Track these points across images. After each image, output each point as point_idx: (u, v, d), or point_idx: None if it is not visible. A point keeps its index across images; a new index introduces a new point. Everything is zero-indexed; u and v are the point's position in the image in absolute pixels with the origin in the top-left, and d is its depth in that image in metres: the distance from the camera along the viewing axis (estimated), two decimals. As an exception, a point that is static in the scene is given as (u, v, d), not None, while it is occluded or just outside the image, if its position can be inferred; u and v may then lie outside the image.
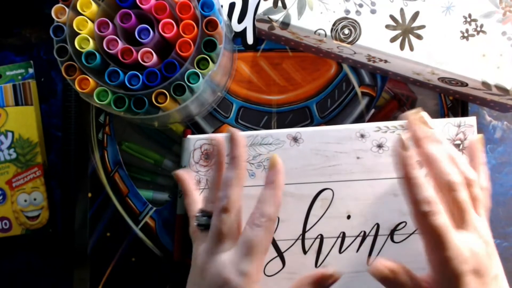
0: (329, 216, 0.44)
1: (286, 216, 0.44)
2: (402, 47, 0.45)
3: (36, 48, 0.54)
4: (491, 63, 0.45)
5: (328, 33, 0.45)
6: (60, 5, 0.43)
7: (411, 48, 0.45)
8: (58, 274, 0.53)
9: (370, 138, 0.44)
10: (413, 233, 0.44)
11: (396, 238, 0.44)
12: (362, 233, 0.44)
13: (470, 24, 0.45)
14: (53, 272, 0.53)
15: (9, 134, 0.52)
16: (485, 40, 0.45)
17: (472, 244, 0.35)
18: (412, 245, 0.44)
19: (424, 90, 0.52)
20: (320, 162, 0.44)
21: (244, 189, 0.40)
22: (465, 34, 0.45)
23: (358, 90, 0.52)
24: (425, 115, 0.40)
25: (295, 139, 0.44)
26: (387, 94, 0.52)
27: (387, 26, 0.45)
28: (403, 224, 0.44)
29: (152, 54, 0.42)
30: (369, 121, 0.52)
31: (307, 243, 0.44)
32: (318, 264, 0.44)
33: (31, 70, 0.54)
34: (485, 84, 0.45)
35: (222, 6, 0.49)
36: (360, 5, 0.46)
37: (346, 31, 0.45)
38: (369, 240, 0.44)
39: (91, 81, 0.42)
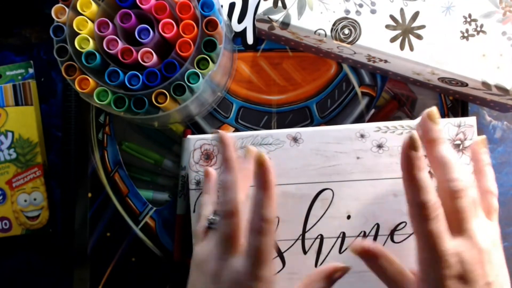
0: (329, 216, 0.44)
1: (286, 216, 0.44)
2: (402, 47, 0.45)
3: (36, 48, 0.54)
4: (491, 63, 0.45)
5: (328, 33, 0.45)
6: (60, 5, 0.43)
7: (411, 48, 0.45)
8: (58, 274, 0.53)
9: (370, 138, 0.44)
10: (413, 233, 0.44)
11: (396, 238, 0.44)
12: (362, 233, 0.44)
13: (470, 24, 0.45)
14: (53, 272, 0.53)
15: (9, 134, 0.52)
16: (485, 40, 0.45)
17: (462, 251, 0.36)
18: (412, 245, 0.43)
19: (424, 90, 0.52)
20: (320, 162, 0.44)
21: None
22: (465, 34, 0.45)
23: (358, 90, 0.52)
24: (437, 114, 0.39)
25: (295, 139, 0.44)
26: (387, 94, 0.52)
27: (387, 26, 0.45)
28: (403, 224, 0.44)
29: (152, 54, 0.42)
30: (369, 121, 0.52)
31: (307, 243, 0.44)
32: (318, 264, 0.44)
33: (31, 70, 0.54)
34: (485, 84, 0.45)
35: (222, 6, 0.49)
36: (360, 5, 0.46)
37: (346, 31, 0.45)
38: (369, 240, 0.44)
39: (91, 81, 0.42)
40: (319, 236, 0.44)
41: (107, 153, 0.52)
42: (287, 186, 0.44)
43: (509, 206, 0.52)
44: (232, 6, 0.52)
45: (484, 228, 0.38)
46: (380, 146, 0.44)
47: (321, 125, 0.52)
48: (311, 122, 0.52)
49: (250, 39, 0.53)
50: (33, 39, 0.55)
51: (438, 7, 0.46)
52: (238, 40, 0.52)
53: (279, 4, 0.46)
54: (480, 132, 0.52)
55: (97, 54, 0.42)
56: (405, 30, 0.45)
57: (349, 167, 0.44)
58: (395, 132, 0.44)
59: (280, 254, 0.44)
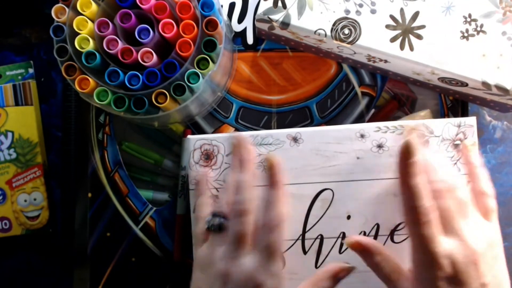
0: (329, 216, 0.44)
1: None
2: (402, 47, 0.45)
3: (36, 48, 0.54)
4: (491, 63, 0.45)
5: (328, 33, 0.45)
6: (60, 5, 0.43)
7: (411, 48, 0.45)
8: (58, 274, 0.53)
9: (370, 138, 0.44)
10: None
11: (396, 238, 0.44)
12: (362, 233, 0.44)
13: (470, 24, 0.45)
14: (53, 272, 0.53)
15: (9, 134, 0.52)
16: (485, 40, 0.45)
17: (454, 252, 0.36)
18: (412, 245, 0.44)
19: (424, 90, 0.52)
20: (320, 162, 0.44)
21: None
22: (465, 34, 0.45)
23: (358, 90, 0.52)
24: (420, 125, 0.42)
25: (295, 139, 0.44)
26: (387, 94, 0.52)
27: (387, 26, 0.45)
28: (403, 224, 0.44)
29: (152, 54, 0.42)
30: (369, 121, 0.52)
31: (307, 244, 0.44)
32: (318, 265, 0.44)
33: (31, 70, 0.54)
34: (485, 84, 0.45)
35: (222, 6, 0.49)
36: (360, 5, 0.46)
37: (346, 31, 0.45)
38: (369, 240, 0.44)
39: (91, 81, 0.42)
40: (319, 236, 0.44)
41: (107, 153, 0.52)
42: (287, 186, 0.44)
43: (509, 206, 0.52)
44: (232, 6, 0.52)
45: (478, 229, 0.38)
46: (380, 146, 0.44)
47: (321, 125, 0.52)
48: (311, 122, 0.52)
49: (250, 39, 0.53)
50: (33, 39, 0.55)
51: (438, 7, 0.46)
52: (238, 40, 0.52)
53: (279, 4, 0.46)
54: (480, 132, 0.52)
55: (97, 54, 0.42)
56: (405, 30, 0.45)
57: (349, 167, 0.44)
58: (395, 132, 0.44)
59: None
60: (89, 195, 0.52)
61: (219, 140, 0.44)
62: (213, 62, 0.43)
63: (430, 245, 0.36)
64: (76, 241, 0.51)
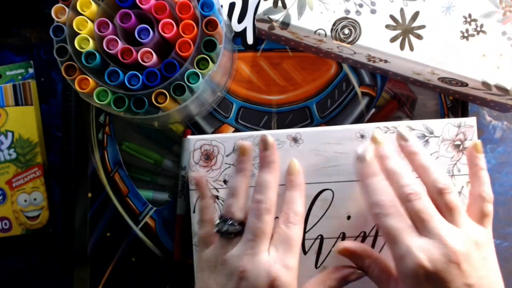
0: (329, 217, 0.44)
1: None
2: (402, 47, 0.45)
3: (36, 48, 0.54)
4: (491, 63, 0.45)
5: (328, 33, 0.45)
6: (60, 5, 0.43)
7: (411, 48, 0.45)
8: (58, 274, 0.53)
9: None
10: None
11: (396, 238, 0.44)
12: (362, 234, 0.44)
13: (470, 24, 0.45)
14: (53, 272, 0.53)
15: (9, 134, 0.52)
16: (485, 40, 0.45)
17: (430, 249, 0.36)
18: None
19: (424, 90, 0.52)
20: (320, 162, 0.44)
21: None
22: (465, 34, 0.45)
23: (358, 90, 0.52)
24: (403, 128, 0.43)
25: (295, 140, 0.44)
26: (387, 94, 0.52)
27: (387, 26, 0.45)
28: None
29: (152, 54, 0.42)
30: (369, 121, 0.52)
31: (307, 244, 0.44)
32: (318, 265, 0.44)
33: (31, 70, 0.54)
34: (485, 84, 0.45)
35: (222, 6, 0.49)
36: (360, 5, 0.46)
37: (346, 31, 0.45)
38: (369, 241, 0.44)
39: (91, 81, 0.42)
40: (319, 237, 0.44)
41: (107, 153, 0.52)
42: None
43: (509, 206, 0.52)
44: (232, 6, 0.52)
45: (463, 230, 0.37)
46: (380, 146, 0.44)
47: (321, 125, 0.52)
48: (311, 122, 0.52)
49: (250, 39, 0.53)
50: (33, 39, 0.55)
51: (438, 7, 0.46)
52: (238, 40, 0.52)
53: (279, 4, 0.46)
54: (480, 132, 0.52)
55: (97, 54, 0.42)
56: (405, 30, 0.45)
57: (349, 168, 0.44)
58: (395, 133, 0.44)
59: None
60: (89, 195, 0.52)
61: (219, 140, 0.44)
62: (213, 62, 0.43)
63: (400, 238, 0.37)
64: (76, 241, 0.51)
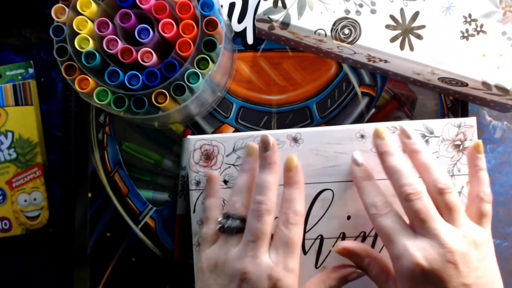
0: (329, 217, 0.44)
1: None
2: (402, 47, 0.45)
3: (36, 48, 0.54)
4: (491, 63, 0.45)
5: (328, 33, 0.45)
6: (60, 5, 0.43)
7: (411, 48, 0.45)
8: (58, 274, 0.53)
9: (370, 139, 0.44)
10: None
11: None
12: (362, 234, 0.44)
13: (470, 24, 0.45)
14: (53, 272, 0.53)
15: (9, 134, 0.52)
16: (485, 40, 0.45)
17: (427, 249, 0.36)
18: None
19: (424, 90, 0.52)
20: (320, 162, 0.44)
21: None
22: (465, 34, 0.45)
23: (358, 90, 0.52)
24: (406, 126, 0.42)
25: (295, 140, 0.44)
26: (387, 94, 0.52)
27: (387, 26, 0.45)
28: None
29: (152, 54, 0.42)
30: (369, 121, 0.52)
31: (307, 244, 0.44)
32: (318, 265, 0.44)
33: (31, 70, 0.54)
34: (485, 84, 0.45)
35: (222, 6, 0.49)
36: (360, 5, 0.46)
37: (346, 31, 0.45)
38: (369, 241, 0.44)
39: (91, 81, 0.42)
40: (319, 237, 0.44)
41: (107, 153, 0.52)
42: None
43: (509, 206, 0.52)
44: (232, 6, 0.52)
45: (461, 230, 0.37)
46: (380, 146, 0.44)
47: (321, 125, 0.52)
48: (311, 122, 0.52)
49: (250, 39, 0.53)
50: (33, 39, 0.55)
51: (438, 7, 0.46)
52: (238, 40, 0.52)
53: (279, 4, 0.46)
54: (480, 132, 0.52)
55: (97, 54, 0.42)
56: (405, 30, 0.45)
57: (349, 168, 0.44)
58: (395, 133, 0.44)
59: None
60: (89, 195, 0.52)
61: (219, 140, 0.44)
62: (213, 62, 0.43)
63: (396, 238, 0.37)
64: (76, 241, 0.51)
